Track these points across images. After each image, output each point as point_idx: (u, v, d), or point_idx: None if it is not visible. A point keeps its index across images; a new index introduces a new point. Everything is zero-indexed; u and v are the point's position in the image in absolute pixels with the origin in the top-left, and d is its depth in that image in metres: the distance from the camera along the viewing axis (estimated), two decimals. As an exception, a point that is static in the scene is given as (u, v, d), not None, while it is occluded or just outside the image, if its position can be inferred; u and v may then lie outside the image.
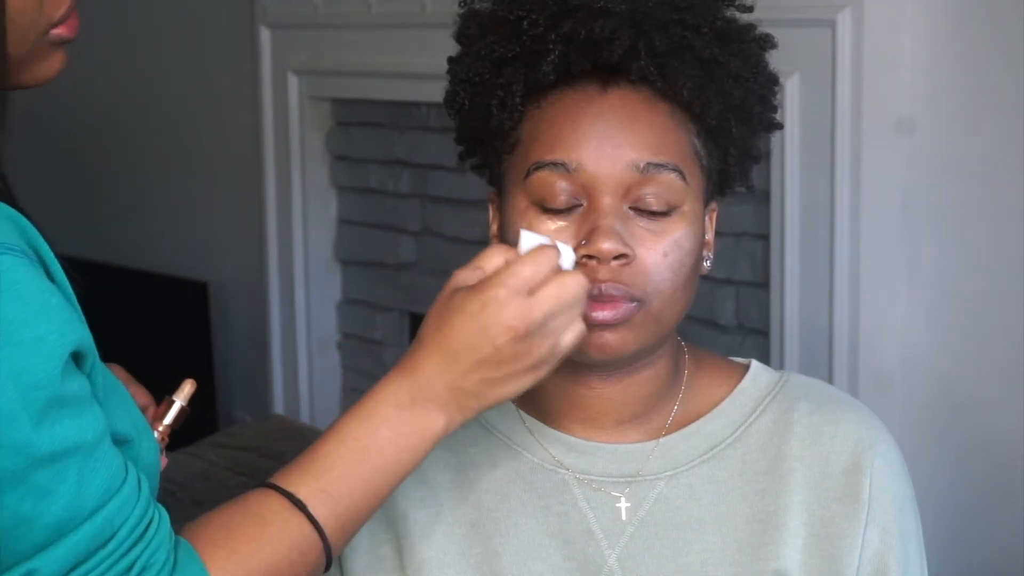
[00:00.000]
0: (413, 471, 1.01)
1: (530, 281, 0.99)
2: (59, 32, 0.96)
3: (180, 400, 1.04)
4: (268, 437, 2.50)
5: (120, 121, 3.89)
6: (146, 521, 0.90)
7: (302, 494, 0.96)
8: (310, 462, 0.98)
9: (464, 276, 1.01)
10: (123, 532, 0.89)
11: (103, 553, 0.88)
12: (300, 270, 3.31)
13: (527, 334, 0.98)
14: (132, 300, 3.45)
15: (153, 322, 3.56)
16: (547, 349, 1.00)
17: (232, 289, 3.64)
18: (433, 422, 0.99)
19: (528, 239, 1.03)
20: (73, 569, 0.87)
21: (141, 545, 0.89)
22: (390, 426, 0.99)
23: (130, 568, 0.89)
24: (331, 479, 0.97)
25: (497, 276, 0.99)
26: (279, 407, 3.38)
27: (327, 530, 0.96)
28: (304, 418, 3.28)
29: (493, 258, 1.02)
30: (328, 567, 0.98)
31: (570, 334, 1.01)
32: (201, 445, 2.52)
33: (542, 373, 1.01)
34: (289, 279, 3.32)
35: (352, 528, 0.99)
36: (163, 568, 0.90)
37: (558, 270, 1.01)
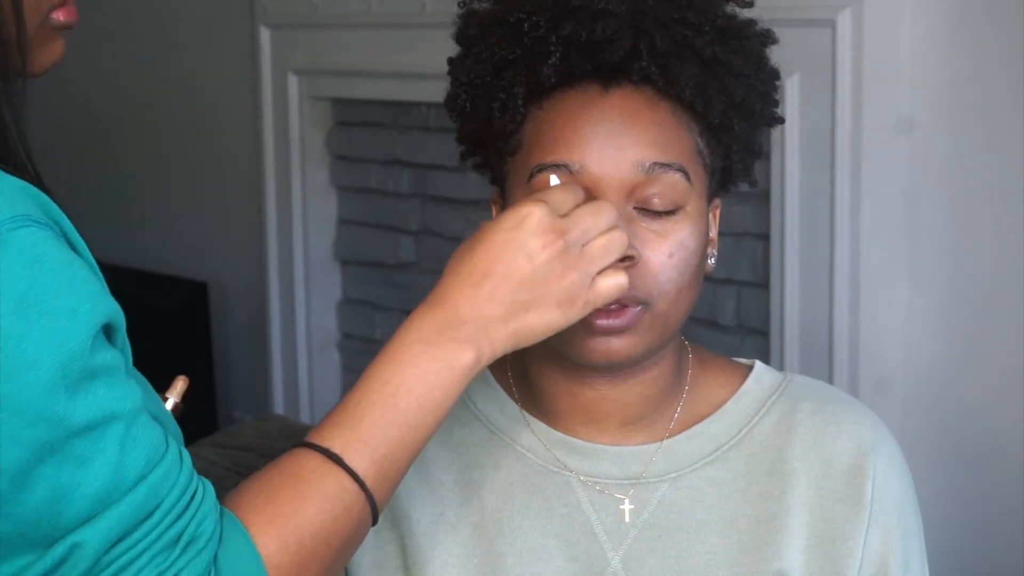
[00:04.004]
0: (449, 411, 0.98)
1: (563, 204, 1.00)
2: (58, 16, 0.95)
3: (174, 397, 1.04)
4: (268, 437, 2.50)
5: (120, 121, 3.89)
6: (191, 491, 0.89)
7: (336, 447, 0.94)
8: (342, 413, 0.96)
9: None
10: (168, 502, 0.87)
11: (149, 524, 0.86)
12: (300, 270, 3.31)
13: (565, 250, 0.97)
14: (132, 300, 3.44)
15: (153, 322, 3.55)
16: (580, 279, 0.98)
17: (232, 289, 3.64)
18: (462, 354, 0.97)
19: (557, 182, 1.06)
20: (119, 541, 0.86)
21: (187, 515, 0.88)
22: (418, 364, 0.96)
23: (177, 539, 0.87)
24: (364, 427, 0.95)
25: (532, 196, 1.00)
26: (279, 407, 3.38)
27: (367, 480, 0.94)
28: (304, 418, 3.28)
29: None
30: (376, 520, 0.96)
31: (609, 281, 1.00)
32: (201, 445, 2.52)
33: (573, 313, 0.99)
34: (289, 279, 3.32)
35: (395, 475, 0.96)
36: (211, 539, 0.88)
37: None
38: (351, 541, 0.95)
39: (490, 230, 0.99)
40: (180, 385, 1.04)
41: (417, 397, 0.96)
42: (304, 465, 0.94)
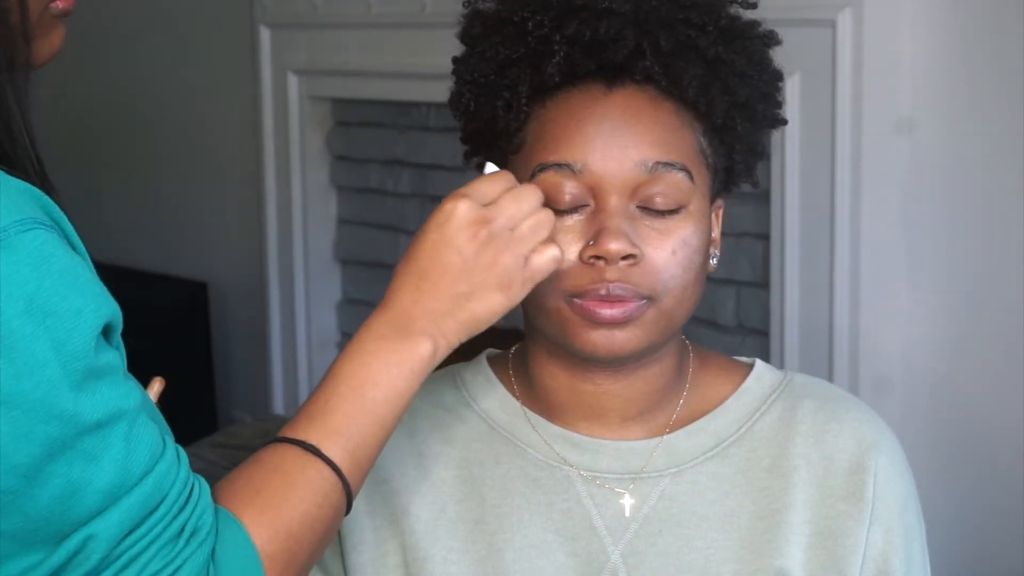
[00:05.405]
0: (411, 400, 1.02)
1: (487, 194, 1.03)
2: (57, 4, 0.97)
3: (150, 397, 1.04)
4: (268, 437, 2.50)
5: (120, 121, 3.90)
6: (189, 486, 0.92)
7: (314, 439, 0.97)
8: (312, 409, 1.00)
9: None
10: (171, 496, 0.90)
11: (156, 516, 0.89)
12: (300, 270, 3.31)
13: (490, 238, 1.01)
14: (132, 300, 3.44)
15: (153, 322, 3.56)
16: (514, 261, 1.02)
17: (232, 289, 3.64)
18: (419, 347, 1.01)
19: (491, 169, 1.07)
20: (129, 533, 0.88)
21: (189, 508, 0.91)
22: (379, 357, 1.00)
23: (181, 531, 0.90)
24: (336, 419, 0.99)
25: (455, 192, 1.03)
26: (279, 407, 3.38)
27: (343, 469, 0.98)
28: (304, 418, 3.28)
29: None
30: (350, 507, 0.99)
31: (542, 256, 1.03)
32: (201, 445, 2.53)
33: (513, 293, 1.02)
34: (289, 279, 3.32)
35: (366, 463, 1.00)
36: (211, 531, 0.91)
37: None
38: (331, 527, 0.99)
39: (423, 230, 1.02)
40: (157, 386, 1.06)
41: (382, 389, 1.00)
42: (285, 458, 0.97)
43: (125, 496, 0.88)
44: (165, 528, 0.89)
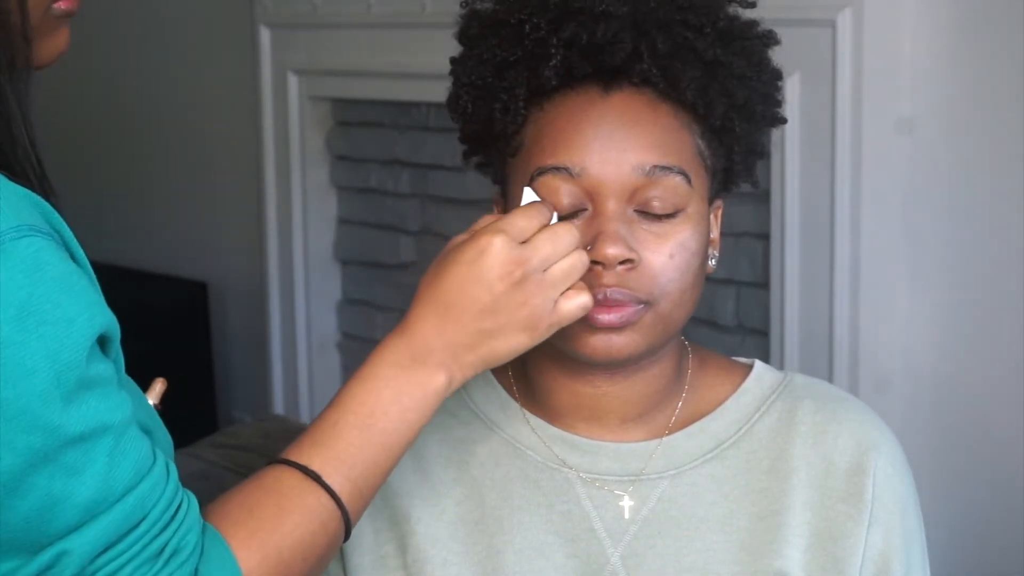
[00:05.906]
0: (420, 431, 1.01)
1: (524, 230, 1.01)
2: (60, 5, 0.96)
3: (152, 399, 1.04)
4: (268, 437, 2.50)
5: (120, 121, 3.89)
6: (176, 504, 0.91)
7: (315, 465, 0.96)
8: (319, 432, 0.98)
9: (459, 239, 1.03)
10: (154, 514, 0.89)
11: (135, 535, 0.88)
12: (300, 270, 3.31)
13: (523, 279, 1.00)
14: (132, 300, 3.45)
15: (153, 322, 3.56)
16: (543, 304, 1.01)
17: (232, 289, 3.64)
18: (434, 379, 1.00)
19: (529, 196, 1.05)
20: (105, 551, 0.87)
21: (172, 528, 0.90)
22: (392, 386, 0.99)
23: (161, 551, 0.89)
24: (342, 446, 0.97)
25: (492, 225, 1.01)
26: (279, 407, 3.38)
27: (343, 498, 0.96)
28: (304, 418, 3.28)
29: (485, 221, 1.04)
30: (347, 536, 0.98)
31: (572, 303, 1.02)
32: (200, 445, 2.52)
33: (538, 335, 1.02)
34: (289, 279, 3.32)
35: (368, 492, 0.99)
36: (193, 552, 0.90)
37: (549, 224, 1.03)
38: (325, 556, 0.97)
39: (452, 262, 1.01)
40: (159, 387, 1.05)
41: (392, 419, 0.99)
42: (284, 481, 0.96)
43: (104, 513, 0.87)
44: (145, 547, 0.88)
